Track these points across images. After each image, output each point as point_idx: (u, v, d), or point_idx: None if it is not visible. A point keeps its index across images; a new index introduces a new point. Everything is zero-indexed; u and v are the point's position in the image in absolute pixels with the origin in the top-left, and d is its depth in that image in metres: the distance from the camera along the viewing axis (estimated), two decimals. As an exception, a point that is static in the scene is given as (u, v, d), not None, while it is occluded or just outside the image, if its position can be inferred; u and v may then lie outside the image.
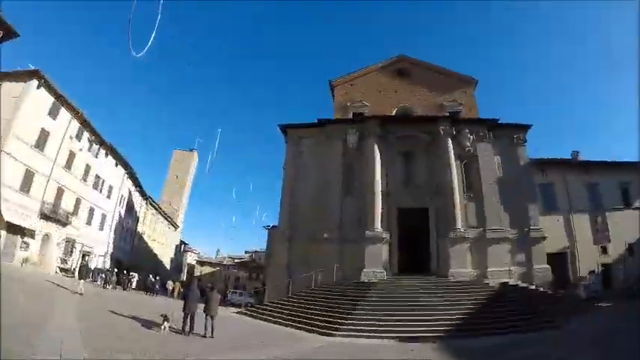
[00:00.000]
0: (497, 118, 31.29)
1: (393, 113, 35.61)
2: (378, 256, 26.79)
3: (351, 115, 35.41)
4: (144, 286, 35.12)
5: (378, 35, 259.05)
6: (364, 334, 17.12)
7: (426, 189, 29.63)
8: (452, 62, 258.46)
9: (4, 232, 27.14)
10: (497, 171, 30.29)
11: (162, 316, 13.85)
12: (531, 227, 28.70)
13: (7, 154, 27.02)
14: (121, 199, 48.93)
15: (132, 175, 51.94)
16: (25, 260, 29.00)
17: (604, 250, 31.68)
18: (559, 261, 30.29)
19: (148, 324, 14.66)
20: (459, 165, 29.68)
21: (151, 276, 36.30)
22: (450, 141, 29.77)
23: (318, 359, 12.88)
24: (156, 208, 65.60)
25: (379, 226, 27.54)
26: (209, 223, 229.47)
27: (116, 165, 46.65)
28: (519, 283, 25.86)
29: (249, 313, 23.98)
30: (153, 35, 15.67)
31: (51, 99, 31.68)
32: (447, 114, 33.35)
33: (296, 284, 25.87)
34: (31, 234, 30.11)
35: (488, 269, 26.32)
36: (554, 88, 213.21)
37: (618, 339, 14.24)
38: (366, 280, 25.01)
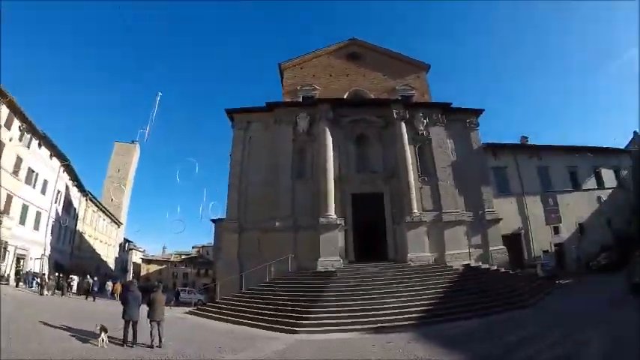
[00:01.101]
0: (449, 102, 31.23)
1: (345, 97, 34.63)
2: (334, 243, 25.54)
3: (301, 99, 34.23)
4: (84, 290, 31.82)
5: (329, 19, 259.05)
6: (332, 327, 15.73)
7: (380, 174, 28.92)
8: (404, 48, 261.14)
9: None
10: (451, 155, 30.22)
11: (98, 327, 11.73)
12: (486, 210, 28.87)
13: None
14: (57, 195, 43.56)
15: (69, 168, 45.94)
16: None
17: (556, 231, 32.87)
18: (514, 242, 30.99)
19: (84, 336, 12.36)
20: (412, 149, 29.16)
21: (88, 277, 33.00)
22: (403, 125, 29.23)
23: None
24: (97, 205, 60.29)
25: (333, 213, 26.33)
26: (154, 220, 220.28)
27: (51, 157, 41.23)
28: (480, 264, 25.76)
29: (200, 312, 21.77)
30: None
31: None
32: (400, 98, 32.76)
33: (249, 278, 23.97)
34: None
35: (447, 252, 26.05)
36: (507, 75, 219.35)
37: (602, 314, 14.12)
38: (322, 270, 23.79)
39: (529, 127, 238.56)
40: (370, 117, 30.10)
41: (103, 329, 11.59)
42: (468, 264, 25.08)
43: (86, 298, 29.40)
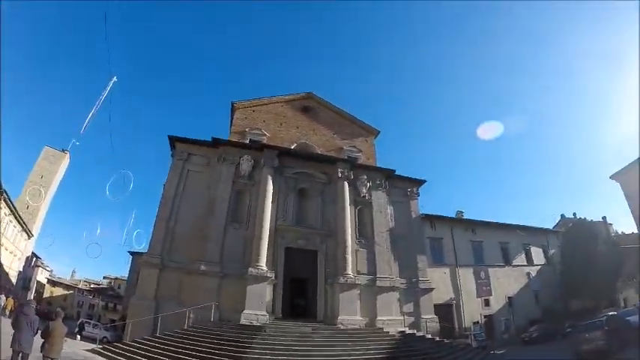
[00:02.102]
0: (394, 170, 31.62)
1: (293, 148, 33.98)
2: (262, 296, 23.72)
3: (248, 142, 32.95)
4: None
5: (287, 71, 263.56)
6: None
7: (317, 230, 28.03)
8: (357, 109, 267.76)
9: None
10: (390, 221, 30.30)
11: None
12: (420, 278, 28.70)
13: None
14: None
15: None
16: None
17: (486, 303, 33.14)
18: (446, 311, 30.81)
19: None
20: (353, 210, 28.87)
21: None
22: (346, 185, 29.08)
23: None
24: (9, 207, 53.75)
25: (264, 264, 24.69)
26: (69, 239, 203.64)
27: None
28: (415, 331, 25.07)
29: (106, 353, 18.68)
30: None
31: None
32: (346, 158, 32.77)
33: (165, 321, 21.37)
34: None
35: (378, 317, 25.01)
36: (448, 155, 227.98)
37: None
38: (246, 323, 21.83)
39: (465, 201, 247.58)
40: (315, 172, 29.70)
41: None
42: (404, 331, 24.34)
43: None
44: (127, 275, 54.34)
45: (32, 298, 61.10)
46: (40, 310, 48.76)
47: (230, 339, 19.23)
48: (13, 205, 55.35)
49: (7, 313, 29.72)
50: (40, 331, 10.17)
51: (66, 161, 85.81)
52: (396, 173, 31.55)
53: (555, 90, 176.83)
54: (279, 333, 20.55)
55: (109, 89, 14.94)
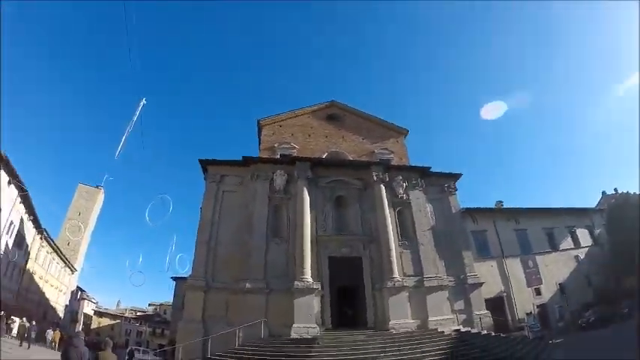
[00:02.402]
0: (428, 167, 30.92)
1: (324, 157, 33.94)
2: (310, 309, 23.48)
3: (278, 157, 33.07)
4: (20, 335, 27.51)
5: (310, 81, 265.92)
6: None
7: (359, 237, 27.61)
8: (383, 111, 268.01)
9: None
10: (431, 219, 29.49)
11: None
12: (468, 274, 27.81)
13: None
14: (9, 226, 38.26)
15: (26, 200, 42.39)
16: None
17: (537, 292, 32.08)
18: (497, 305, 30.19)
19: None
20: (392, 212, 28.27)
21: (24, 320, 29.01)
22: (383, 188, 28.58)
23: None
24: (52, 246, 55.23)
25: (309, 276, 24.51)
26: (111, 271, 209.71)
27: (8, 184, 35.97)
28: (470, 329, 24.25)
29: None
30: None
31: None
32: (379, 161, 32.29)
33: (214, 343, 21.34)
34: None
35: (430, 318, 24.28)
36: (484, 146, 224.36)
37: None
38: (297, 337, 21.64)
39: (503, 191, 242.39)
40: (349, 179, 29.37)
41: None
42: (458, 329, 23.63)
43: (20, 344, 25.82)
44: (171, 300, 55.11)
45: (80, 329, 62.53)
46: (89, 340, 49.73)
47: (284, 354, 19.04)
48: (54, 243, 57.16)
49: (55, 345, 30.53)
50: None
51: (101, 196, 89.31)
52: (431, 170, 30.81)
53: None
54: (333, 343, 20.32)
55: (139, 112, 14.98)
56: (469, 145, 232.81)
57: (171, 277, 48.68)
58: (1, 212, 36.22)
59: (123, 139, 14.56)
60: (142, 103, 15.31)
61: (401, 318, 23.66)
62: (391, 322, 23.20)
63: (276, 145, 34.87)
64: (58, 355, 24.98)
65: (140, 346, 45.19)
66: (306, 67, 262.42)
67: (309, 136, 36.19)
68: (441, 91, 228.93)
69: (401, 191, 28.92)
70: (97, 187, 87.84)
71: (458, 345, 20.39)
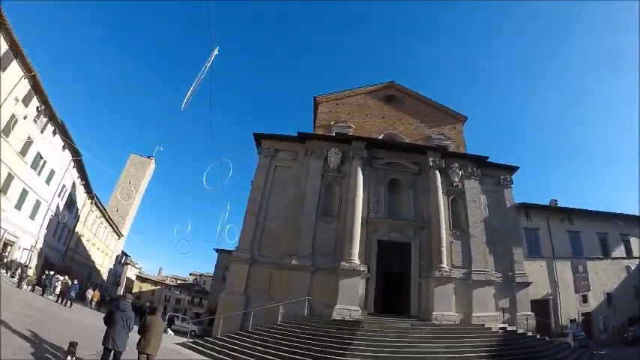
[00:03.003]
0: (486, 156, 29.35)
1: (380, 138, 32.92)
2: (354, 291, 23.00)
3: (334, 135, 32.37)
4: (60, 292, 27.62)
5: (370, 61, 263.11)
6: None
7: (410, 222, 26.66)
8: (442, 96, 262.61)
9: None
10: (484, 210, 28.13)
11: (69, 347, 9.00)
12: (516, 272, 26.60)
13: None
14: (62, 189, 40.27)
15: (79, 165, 43.09)
16: None
17: (584, 299, 30.52)
18: (541, 307, 28.39)
19: (48, 354, 9.54)
20: (446, 200, 27.12)
21: (66, 278, 29.23)
22: (438, 174, 27.40)
23: None
24: (101, 210, 57.69)
25: (357, 258, 23.94)
26: (155, 239, 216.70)
27: (63, 148, 38.03)
28: (515, 328, 23.38)
29: (198, 348, 18.74)
30: None
31: (4, 45, 25.06)
32: (436, 146, 31.01)
33: (255, 316, 21.28)
34: None
35: (474, 314, 23.35)
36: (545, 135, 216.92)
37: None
38: (338, 318, 21.27)
39: (556, 189, 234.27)
40: (404, 162, 28.29)
41: (70, 352, 8.96)
42: (504, 327, 22.69)
43: (60, 301, 25.97)
44: (212, 272, 56.12)
45: (125, 292, 64.89)
46: (135, 305, 51.35)
47: (326, 334, 18.70)
48: (103, 208, 58.98)
49: (94, 305, 31.21)
50: (137, 327, 9.48)
51: (152, 166, 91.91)
52: (488, 160, 29.27)
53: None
54: (377, 328, 19.74)
55: (211, 61, 14.03)
56: (527, 135, 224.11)
57: (215, 249, 49.44)
58: (55, 174, 37.78)
59: (191, 89, 13.66)
60: (214, 53, 14.34)
61: (445, 310, 22.84)
62: (435, 313, 22.45)
63: (331, 123, 34.29)
64: (95, 313, 25.30)
65: (177, 313, 46.08)
66: (365, 43, 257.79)
67: (366, 116, 35.25)
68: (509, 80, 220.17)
69: (456, 179, 27.66)
70: (148, 157, 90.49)
71: (507, 342, 19.59)
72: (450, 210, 26.93)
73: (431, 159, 27.58)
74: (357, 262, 23.72)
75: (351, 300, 22.51)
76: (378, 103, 36.25)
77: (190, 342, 20.23)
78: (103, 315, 9.21)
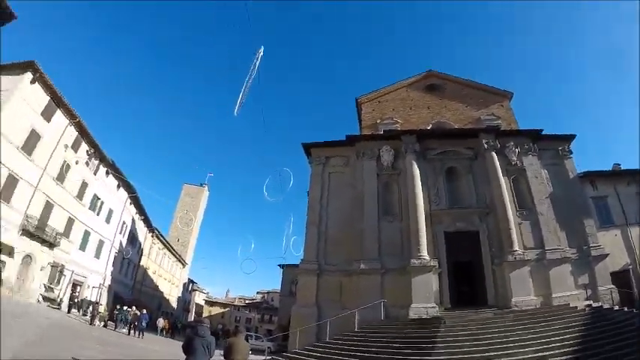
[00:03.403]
0: (540, 129, 27.98)
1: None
2: (428, 287, 22.41)
3: (382, 132, 31.69)
4: (130, 323, 28.31)
5: (400, 53, 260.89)
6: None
7: (474, 209, 25.82)
8: (481, 76, 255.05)
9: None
10: (548, 185, 26.80)
11: None
12: (591, 245, 24.96)
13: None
14: (122, 226, 42.54)
15: (136, 201, 45.68)
16: (-1, 283, 23.28)
17: None
18: (622, 280, 26.41)
19: None
20: (507, 181, 26.05)
21: (134, 308, 29.87)
22: (494, 156, 26.42)
23: None
24: (163, 242, 60.44)
25: (426, 254, 23.39)
26: (219, 263, 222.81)
27: (118, 187, 40.49)
28: (601, 304, 21.83)
29: None
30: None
31: (46, 98, 26.77)
32: (486, 127, 29.96)
33: (330, 326, 21.07)
34: (9, 251, 24.22)
35: (553, 295, 22.09)
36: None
37: None
38: (415, 317, 20.74)
39: (619, 154, 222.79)
40: (459, 149, 27.51)
41: None
42: (589, 304, 21.30)
43: (130, 332, 26.85)
44: (279, 288, 56.67)
45: (199, 318, 66.87)
46: (213, 329, 52.75)
47: (409, 335, 18.30)
48: (165, 239, 61.34)
49: (164, 333, 32.14)
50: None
51: (205, 193, 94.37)
52: (543, 133, 27.90)
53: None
54: (459, 322, 19.20)
55: (257, 63, 13.70)
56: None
57: (279, 265, 49.97)
58: (114, 213, 39.69)
59: (241, 94, 13.41)
60: (260, 53, 14.07)
61: (524, 294, 21.84)
62: (514, 299, 21.48)
63: (378, 122, 33.81)
64: (167, 340, 25.74)
65: (250, 332, 47.04)
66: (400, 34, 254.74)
67: (410, 108, 34.54)
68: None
69: (514, 158, 26.57)
70: (200, 185, 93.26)
71: (595, 321, 18.32)
72: (512, 190, 25.90)
73: (484, 141, 26.65)
74: (427, 257, 23.23)
75: (425, 297, 21.98)
76: (420, 94, 35.51)
77: (269, 359, 20.30)
78: (181, 343, 8.91)
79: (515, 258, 22.81)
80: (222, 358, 8.51)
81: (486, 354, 15.24)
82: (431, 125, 32.81)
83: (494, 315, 20.07)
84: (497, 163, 26.00)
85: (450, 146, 27.57)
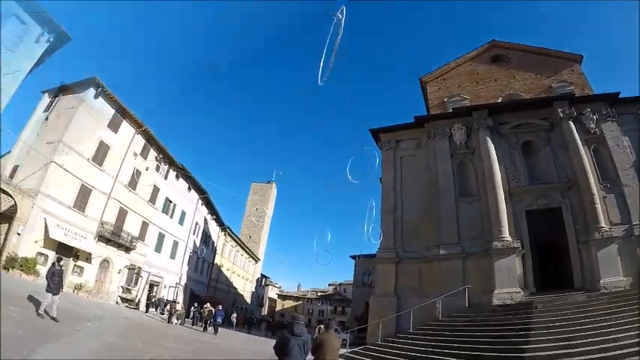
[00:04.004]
0: (617, 92, 25.46)
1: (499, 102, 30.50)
2: (511, 271, 20.99)
3: (450, 111, 30.35)
4: (203, 319, 28.81)
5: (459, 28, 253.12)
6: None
7: (555, 184, 23.93)
8: (546, 41, 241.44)
9: (52, 253, 23.10)
10: (631, 154, 24.29)
11: None
12: None
13: (59, 165, 23.32)
14: (195, 226, 43.86)
15: (207, 202, 46.88)
16: (79, 287, 24.86)
17: None
18: None
19: None
20: (587, 151, 23.93)
21: (208, 305, 29.91)
22: (572, 124, 24.35)
23: None
24: (235, 240, 62.00)
25: (507, 235, 22.00)
26: (289, 257, 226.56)
27: (189, 189, 41.70)
28: None
29: (359, 358, 18.09)
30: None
31: (111, 110, 27.98)
32: (559, 95, 28.10)
33: (408, 317, 20.25)
34: (87, 257, 26.00)
35: (644, 275, 20.28)
36: None
37: None
38: (499, 303, 19.67)
39: None
40: (533, 120, 25.60)
41: None
42: None
43: (204, 329, 27.24)
44: (351, 279, 57.16)
45: (266, 312, 68.89)
46: (277, 322, 53.94)
47: (501, 322, 17.29)
48: (237, 237, 63.14)
49: (239, 327, 32.76)
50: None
51: (274, 190, 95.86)
52: (620, 97, 25.35)
53: None
54: (551, 307, 17.87)
55: (342, 25, 11.87)
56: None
57: (351, 256, 50.11)
58: (187, 215, 41.42)
59: (322, 60, 11.65)
60: (342, 14, 11.44)
61: (612, 275, 19.85)
62: (602, 281, 19.60)
63: (445, 100, 32.31)
64: (247, 337, 26.05)
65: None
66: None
67: (477, 83, 32.73)
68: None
69: (592, 125, 24.34)
70: (269, 182, 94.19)
71: None
72: (594, 161, 23.82)
73: (560, 109, 24.66)
74: (509, 238, 21.79)
75: (509, 282, 20.69)
76: (485, 67, 33.59)
77: (349, 352, 19.69)
78: (258, 337, 8.28)
79: (602, 235, 20.97)
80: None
81: (588, 339, 14.26)
82: (501, 98, 30.92)
83: (588, 298, 18.66)
84: (576, 133, 24.02)
85: (523, 118, 25.77)
